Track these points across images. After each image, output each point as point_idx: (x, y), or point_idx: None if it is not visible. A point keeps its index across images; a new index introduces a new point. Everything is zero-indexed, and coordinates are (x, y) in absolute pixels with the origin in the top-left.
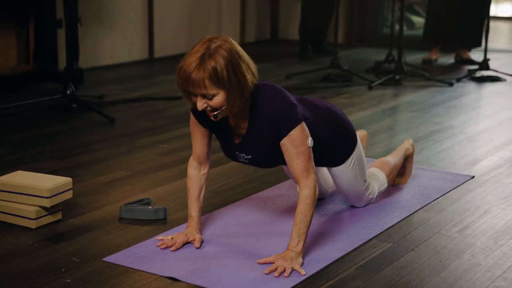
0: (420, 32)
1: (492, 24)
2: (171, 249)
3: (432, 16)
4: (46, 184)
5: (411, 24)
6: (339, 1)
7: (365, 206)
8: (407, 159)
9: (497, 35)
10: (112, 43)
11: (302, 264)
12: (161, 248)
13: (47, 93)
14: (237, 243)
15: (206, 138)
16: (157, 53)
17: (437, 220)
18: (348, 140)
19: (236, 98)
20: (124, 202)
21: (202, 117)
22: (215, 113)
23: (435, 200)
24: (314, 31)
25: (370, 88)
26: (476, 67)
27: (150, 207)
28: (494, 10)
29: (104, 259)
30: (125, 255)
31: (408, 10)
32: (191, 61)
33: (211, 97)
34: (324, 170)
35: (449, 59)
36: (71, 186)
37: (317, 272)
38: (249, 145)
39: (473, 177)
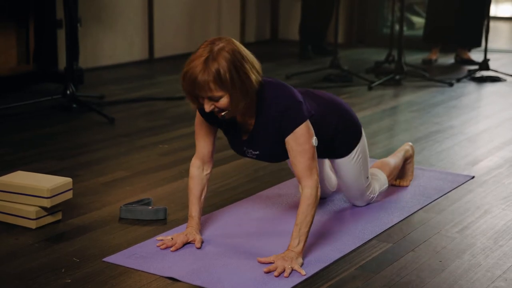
0: (420, 32)
1: (492, 24)
2: (171, 249)
3: (432, 16)
4: (46, 184)
5: (411, 24)
6: (339, 1)
7: (365, 206)
8: (407, 160)
9: (497, 35)
10: (112, 43)
11: (302, 264)
12: (161, 249)
13: (47, 93)
14: (237, 243)
15: (211, 137)
16: (157, 53)
17: (437, 220)
18: (353, 132)
19: (241, 99)
20: (124, 202)
21: (209, 115)
22: (223, 113)
23: (435, 200)
24: (314, 31)
25: (370, 88)
26: (476, 67)
27: (150, 207)
28: (494, 10)
29: (104, 259)
30: (125, 256)
31: (408, 10)
32: (196, 65)
33: (217, 99)
34: (327, 168)
35: (449, 59)
36: (71, 187)
37: (317, 272)
38: (256, 141)
39: (473, 177)
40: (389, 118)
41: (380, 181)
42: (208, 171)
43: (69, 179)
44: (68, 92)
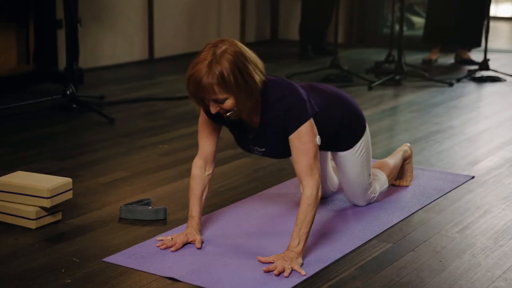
0: (420, 32)
1: (492, 24)
2: (171, 249)
3: (432, 16)
4: (46, 184)
5: (411, 25)
6: (339, 1)
7: (366, 206)
8: (405, 161)
9: (497, 35)
10: (112, 43)
11: (302, 264)
12: (161, 249)
13: (47, 93)
14: (237, 243)
15: (215, 136)
16: (157, 54)
17: (437, 220)
18: (357, 125)
19: (246, 100)
20: (124, 202)
21: (215, 114)
22: (228, 114)
23: (435, 200)
24: (314, 31)
25: (370, 88)
26: (476, 67)
27: (150, 208)
28: (494, 10)
29: (104, 259)
30: (125, 256)
31: (408, 11)
32: (200, 69)
33: (222, 101)
34: (330, 168)
35: (449, 59)
36: (71, 187)
37: (317, 273)
38: (262, 138)
39: (473, 177)
40: (389, 118)
41: (380, 181)
42: (210, 172)
43: (69, 179)
44: (68, 92)
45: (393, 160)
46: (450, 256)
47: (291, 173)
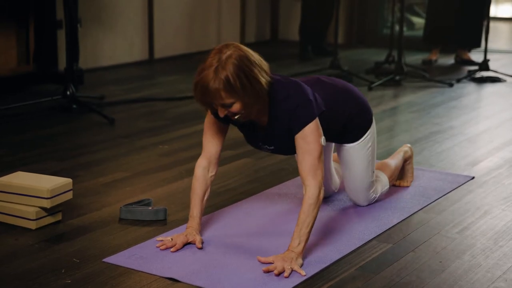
0: (420, 33)
1: (492, 24)
2: (171, 250)
3: (432, 16)
4: (46, 185)
5: (411, 25)
6: (339, 1)
7: (366, 206)
8: (406, 161)
9: (497, 36)
10: (112, 43)
11: (302, 265)
12: (161, 249)
13: (47, 94)
14: (237, 244)
15: (221, 136)
16: (157, 54)
17: (437, 221)
18: (364, 117)
19: (253, 102)
20: (124, 203)
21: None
22: (236, 117)
23: (435, 201)
24: (314, 31)
25: (370, 88)
26: (476, 67)
27: (150, 208)
28: (494, 10)
29: (104, 260)
30: (125, 256)
31: (408, 11)
32: (206, 75)
33: (230, 106)
34: (332, 167)
35: (449, 60)
36: (71, 187)
37: (317, 273)
38: (270, 137)
39: (473, 178)
40: (389, 119)
41: (381, 182)
42: (213, 173)
43: (69, 180)
44: (68, 92)
45: (394, 161)
46: (450, 256)
47: (291, 174)
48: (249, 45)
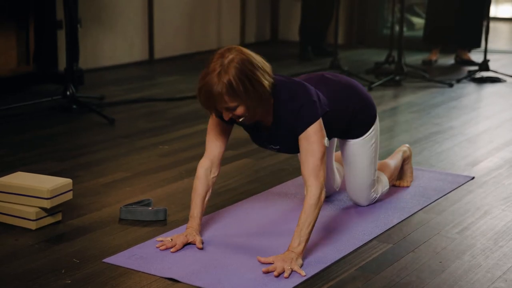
0: (420, 33)
1: (492, 25)
2: (171, 250)
3: (432, 17)
4: (46, 185)
5: (411, 25)
6: (339, 2)
7: (366, 206)
8: (405, 161)
9: (497, 36)
10: (112, 44)
11: (302, 265)
12: (160, 250)
13: (47, 94)
14: (237, 244)
15: (224, 137)
16: (157, 54)
17: (437, 221)
18: (369, 113)
19: (256, 105)
20: (124, 203)
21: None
22: (241, 120)
23: (435, 201)
24: (314, 32)
25: (370, 89)
26: (476, 68)
27: (150, 208)
28: (494, 11)
29: (104, 260)
30: (125, 256)
31: (408, 11)
32: (209, 80)
33: (234, 109)
34: (333, 165)
35: (449, 60)
36: (71, 187)
37: (317, 273)
38: (275, 136)
39: (473, 178)
40: (389, 119)
41: (382, 182)
42: (215, 175)
43: (69, 180)
44: (68, 93)
45: (393, 161)
46: (450, 257)
47: (291, 174)
48: (249, 45)
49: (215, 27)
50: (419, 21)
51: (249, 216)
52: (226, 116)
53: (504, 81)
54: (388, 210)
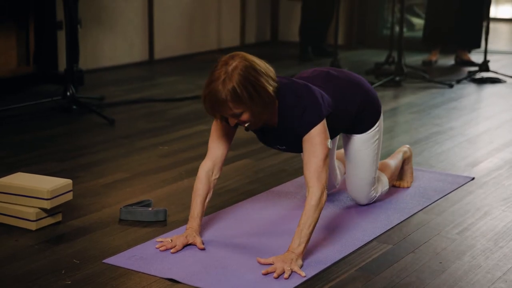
0: (420, 33)
1: (492, 25)
2: (171, 251)
3: (431, 17)
4: (46, 186)
5: (411, 26)
6: (339, 2)
7: (366, 206)
8: (405, 162)
9: (497, 37)
10: (112, 44)
11: (302, 266)
12: (160, 250)
13: (47, 94)
14: (237, 245)
15: (228, 139)
16: (157, 55)
17: (437, 221)
18: (374, 109)
19: (261, 111)
20: (124, 203)
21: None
22: (246, 125)
23: (435, 201)
24: (314, 32)
25: None
26: (476, 68)
27: (150, 209)
28: (494, 11)
29: (104, 260)
30: (125, 257)
31: (408, 12)
32: (214, 88)
33: (239, 115)
34: (334, 162)
35: (449, 61)
36: (71, 188)
37: (317, 274)
38: (281, 137)
39: (473, 178)
40: (389, 120)
41: (382, 182)
42: (216, 177)
43: (69, 181)
44: (68, 93)
45: (394, 162)
46: (450, 257)
47: (291, 174)
48: (249, 46)
49: (215, 27)
50: (419, 22)
51: (249, 217)
52: (232, 122)
53: (504, 81)
54: (388, 210)
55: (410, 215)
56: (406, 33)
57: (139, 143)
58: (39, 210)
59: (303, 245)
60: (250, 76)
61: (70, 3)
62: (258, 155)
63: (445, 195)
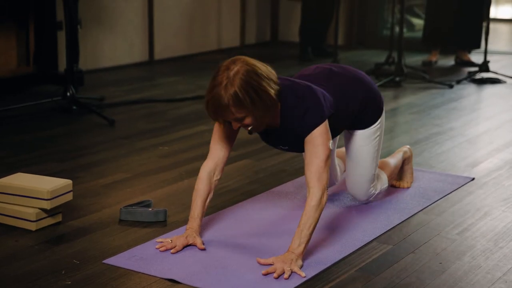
0: (420, 34)
1: (492, 26)
2: (171, 251)
3: (431, 18)
4: (46, 186)
5: (411, 26)
6: (339, 3)
7: (365, 205)
8: (405, 161)
9: (497, 37)
10: (112, 45)
11: (302, 266)
12: (160, 251)
13: (47, 95)
14: (237, 245)
15: (230, 141)
16: (157, 55)
17: (437, 222)
18: (376, 105)
19: (263, 114)
20: (124, 204)
21: None
22: (249, 128)
23: (435, 202)
24: (314, 33)
25: None
26: (476, 69)
27: (150, 209)
28: (494, 12)
29: (104, 261)
30: (125, 257)
31: (408, 12)
32: (216, 93)
33: (241, 119)
34: (334, 159)
35: (449, 61)
36: (71, 188)
37: (317, 274)
38: (283, 138)
39: (473, 179)
40: (389, 120)
41: (381, 180)
42: (218, 178)
43: (69, 181)
44: (68, 94)
45: (394, 160)
46: (450, 258)
47: (291, 175)
48: (249, 46)
49: (215, 28)
50: (419, 22)
51: (249, 217)
52: (235, 126)
53: (504, 82)
54: (388, 211)
55: (410, 215)
56: (406, 33)
57: (139, 144)
58: (39, 210)
59: (303, 245)
60: (252, 80)
61: (70, 3)
62: (258, 155)
63: (445, 196)
